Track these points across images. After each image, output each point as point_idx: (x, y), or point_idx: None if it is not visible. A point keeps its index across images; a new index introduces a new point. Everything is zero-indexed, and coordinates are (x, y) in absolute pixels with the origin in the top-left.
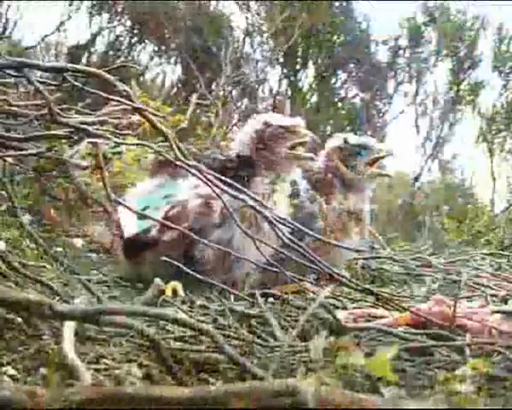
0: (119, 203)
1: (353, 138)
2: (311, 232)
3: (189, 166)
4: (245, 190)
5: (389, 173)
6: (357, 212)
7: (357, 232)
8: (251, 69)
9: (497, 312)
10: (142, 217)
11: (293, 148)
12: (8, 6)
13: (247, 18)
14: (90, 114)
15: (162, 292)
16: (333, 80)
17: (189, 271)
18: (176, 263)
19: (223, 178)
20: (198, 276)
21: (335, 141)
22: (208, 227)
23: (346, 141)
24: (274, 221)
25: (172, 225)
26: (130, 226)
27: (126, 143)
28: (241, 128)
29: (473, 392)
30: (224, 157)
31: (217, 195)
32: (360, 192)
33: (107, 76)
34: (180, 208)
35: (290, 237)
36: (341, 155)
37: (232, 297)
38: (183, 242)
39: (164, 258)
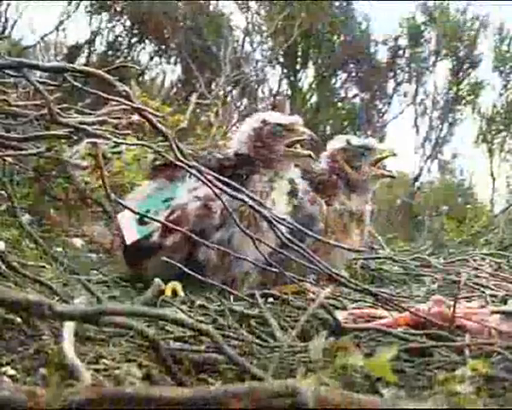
0: (119, 203)
1: (355, 140)
2: (310, 233)
3: (189, 166)
4: (244, 189)
5: (394, 174)
6: (359, 213)
7: (358, 233)
8: (251, 69)
9: (497, 312)
10: (143, 222)
11: (291, 146)
12: (8, 5)
13: (246, 18)
14: (90, 114)
15: (162, 292)
16: (333, 80)
17: (190, 272)
18: (178, 265)
19: (222, 178)
20: (199, 277)
21: (338, 142)
22: (209, 229)
23: (348, 142)
24: (273, 221)
25: (176, 227)
26: (131, 234)
27: (126, 143)
28: (240, 127)
29: (472, 392)
30: (222, 156)
31: (216, 195)
32: (364, 193)
33: (107, 76)
34: (180, 212)
35: (289, 236)
36: (345, 156)
37: (232, 298)
38: (186, 245)
39: (166, 259)
